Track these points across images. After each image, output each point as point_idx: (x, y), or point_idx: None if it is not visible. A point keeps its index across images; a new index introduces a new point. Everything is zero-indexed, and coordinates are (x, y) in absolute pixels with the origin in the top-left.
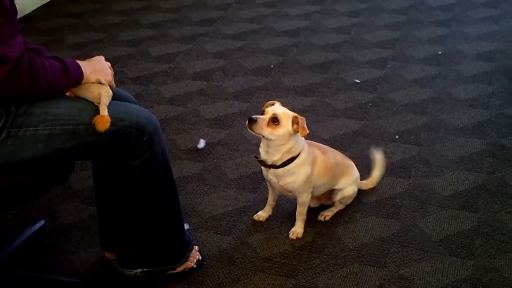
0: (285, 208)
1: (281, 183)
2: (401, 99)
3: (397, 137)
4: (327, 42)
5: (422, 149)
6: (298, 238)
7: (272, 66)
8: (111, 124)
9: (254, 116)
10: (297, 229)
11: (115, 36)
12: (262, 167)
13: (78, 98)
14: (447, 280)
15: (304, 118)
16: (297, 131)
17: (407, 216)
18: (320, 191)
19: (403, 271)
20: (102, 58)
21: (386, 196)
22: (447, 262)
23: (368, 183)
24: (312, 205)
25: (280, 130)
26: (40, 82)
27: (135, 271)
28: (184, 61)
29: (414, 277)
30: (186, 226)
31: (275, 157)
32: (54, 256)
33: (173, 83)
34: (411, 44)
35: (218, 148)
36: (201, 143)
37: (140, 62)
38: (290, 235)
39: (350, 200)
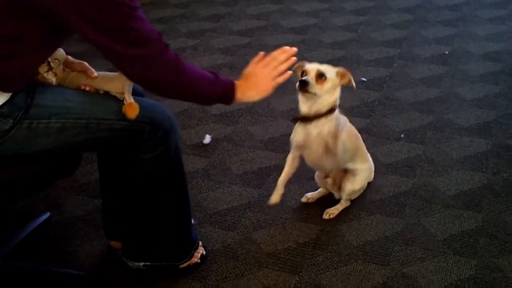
0: (290, 206)
1: (321, 132)
2: (407, 98)
3: (402, 136)
4: (334, 40)
5: (428, 148)
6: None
7: None
8: (124, 119)
9: (304, 78)
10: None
11: None
12: (300, 132)
13: (93, 92)
14: (451, 279)
15: (350, 70)
16: (345, 83)
17: (412, 214)
18: (346, 157)
19: (406, 269)
20: (264, 72)
21: (391, 195)
22: (451, 261)
23: None
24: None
25: (328, 84)
26: (185, 79)
27: (139, 264)
28: (191, 57)
29: (418, 275)
30: (192, 221)
31: (324, 107)
32: (60, 249)
33: None
34: (418, 43)
35: (223, 144)
36: (207, 139)
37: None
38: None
39: (357, 195)
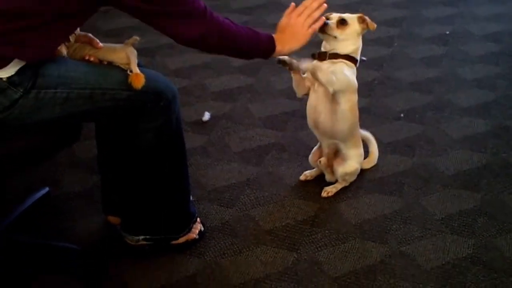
0: (289, 183)
1: (331, 69)
2: (407, 78)
3: (402, 115)
4: None
5: (427, 128)
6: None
7: None
8: (128, 89)
9: (326, 21)
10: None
11: None
12: (314, 66)
13: (97, 63)
14: (448, 258)
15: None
16: (366, 28)
17: (410, 194)
18: (342, 127)
19: (404, 247)
20: (299, 21)
21: (390, 174)
22: (449, 240)
23: (369, 161)
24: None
25: (349, 29)
26: (228, 34)
27: (138, 237)
28: None
29: (415, 254)
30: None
31: (344, 49)
32: (58, 224)
33: (179, 55)
34: (419, 23)
35: (222, 121)
36: (206, 116)
37: (146, 34)
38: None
39: (353, 178)
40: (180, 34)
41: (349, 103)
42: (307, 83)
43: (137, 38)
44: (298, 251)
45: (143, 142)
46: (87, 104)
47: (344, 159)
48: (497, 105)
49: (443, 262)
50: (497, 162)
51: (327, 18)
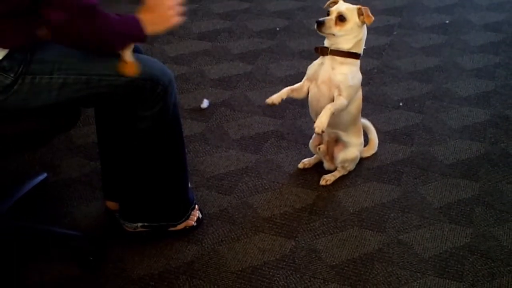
0: (287, 170)
1: (336, 71)
2: (407, 67)
3: (401, 104)
4: None
5: (426, 117)
6: (319, 131)
7: (278, 29)
8: (124, 76)
9: (321, 19)
10: (320, 120)
11: None
12: (317, 61)
13: None
14: (446, 247)
15: (367, 7)
16: (364, 22)
17: (408, 182)
18: (343, 120)
19: (402, 236)
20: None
21: (388, 162)
22: (447, 229)
23: (369, 149)
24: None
25: (348, 25)
26: (102, 30)
27: (136, 224)
28: (189, 21)
29: (413, 242)
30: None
31: (346, 44)
32: (56, 209)
33: (178, 42)
34: (419, 12)
35: (221, 109)
36: (205, 103)
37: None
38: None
39: (352, 166)
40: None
41: (355, 103)
42: (306, 83)
43: None
44: (296, 238)
45: (141, 129)
46: (84, 89)
47: (344, 146)
48: (496, 94)
49: (441, 251)
50: (495, 151)
51: (328, 13)
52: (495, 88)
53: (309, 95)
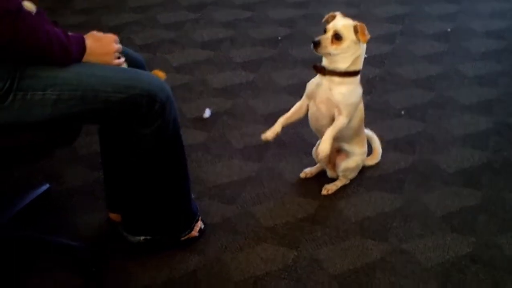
0: (289, 180)
1: (333, 91)
2: (409, 75)
3: (403, 112)
4: None
5: (428, 125)
6: (324, 157)
7: (280, 37)
8: (121, 92)
9: (317, 39)
10: (322, 147)
11: (123, 2)
12: (315, 80)
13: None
14: (448, 256)
15: (364, 25)
16: (360, 39)
17: (411, 191)
18: (344, 134)
19: (404, 245)
20: (112, 39)
21: (390, 171)
22: (449, 238)
23: (373, 157)
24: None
25: (344, 43)
26: (41, 41)
27: (139, 238)
28: (192, 30)
29: (416, 251)
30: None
31: (343, 64)
32: (59, 219)
33: (181, 51)
34: (421, 20)
35: (224, 118)
36: (207, 112)
37: (148, 29)
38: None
39: (354, 174)
40: None
41: (357, 117)
42: (306, 101)
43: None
44: (298, 248)
45: (141, 146)
46: (79, 105)
47: (347, 156)
48: (499, 102)
49: (443, 260)
50: (498, 159)
51: (324, 30)
52: (497, 96)
53: (309, 113)
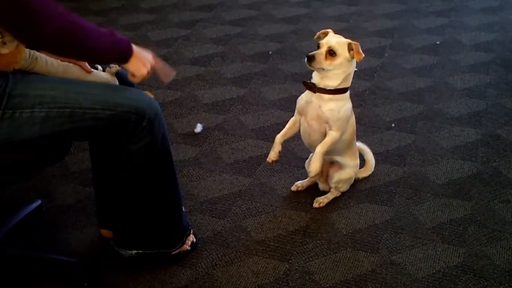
0: (280, 193)
1: (323, 108)
2: (398, 88)
3: (393, 125)
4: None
5: (418, 138)
6: (316, 174)
7: (270, 52)
8: (109, 109)
9: (311, 54)
10: (313, 165)
11: (114, 20)
12: (304, 97)
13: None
14: (439, 267)
15: (358, 43)
16: (353, 57)
17: (401, 203)
18: (336, 148)
19: (395, 257)
20: (151, 54)
21: (381, 183)
22: (439, 249)
23: (366, 170)
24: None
25: (338, 60)
26: (79, 36)
27: (131, 252)
28: (183, 46)
29: (406, 263)
30: (183, 209)
31: (334, 81)
32: (51, 236)
33: (172, 67)
34: (410, 34)
35: (214, 133)
36: (198, 128)
37: (139, 46)
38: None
39: (346, 187)
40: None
41: (348, 131)
42: (298, 117)
43: (119, 68)
44: (290, 261)
45: (130, 162)
46: (67, 123)
47: (340, 168)
48: (487, 114)
49: (434, 271)
50: (487, 170)
51: (318, 45)
52: (486, 107)
53: (301, 129)
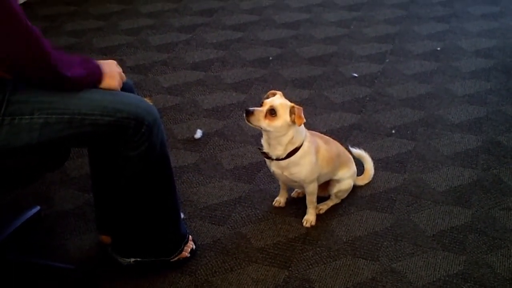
0: None
1: (286, 173)
2: (399, 94)
3: (393, 131)
4: (326, 35)
5: (418, 144)
6: (312, 226)
7: (271, 58)
8: (109, 115)
9: (251, 108)
10: (310, 217)
11: (115, 24)
12: (266, 159)
13: None
14: (439, 275)
15: (301, 108)
16: (294, 122)
17: (401, 210)
18: (322, 180)
19: (395, 264)
20: (114, 62)
21: (381, 190)
22: (440, 257)
23: (364, 178)
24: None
25: (278, 122)
26: (57, 64)
27: (129, 260)
28: (183, 51)
29: (406, 271)
30: (181, 216)
31: (279, 150)
32: (49, 242)
33: (172, 72)
34: (411, 39)
35: (214, 139)
36: (198, 133)
37: (139, 51)
38: (304, 223)
39: (346, 194)
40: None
41: (325, 168)
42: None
43: None
44: (290, 268)
45: (128, 168)
46: (66, 129)
47: (338, 182)
48: (488, 120)
49: (434, 279)
50: (488, 178)
51: (261, 104)
52: (487, 114)
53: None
